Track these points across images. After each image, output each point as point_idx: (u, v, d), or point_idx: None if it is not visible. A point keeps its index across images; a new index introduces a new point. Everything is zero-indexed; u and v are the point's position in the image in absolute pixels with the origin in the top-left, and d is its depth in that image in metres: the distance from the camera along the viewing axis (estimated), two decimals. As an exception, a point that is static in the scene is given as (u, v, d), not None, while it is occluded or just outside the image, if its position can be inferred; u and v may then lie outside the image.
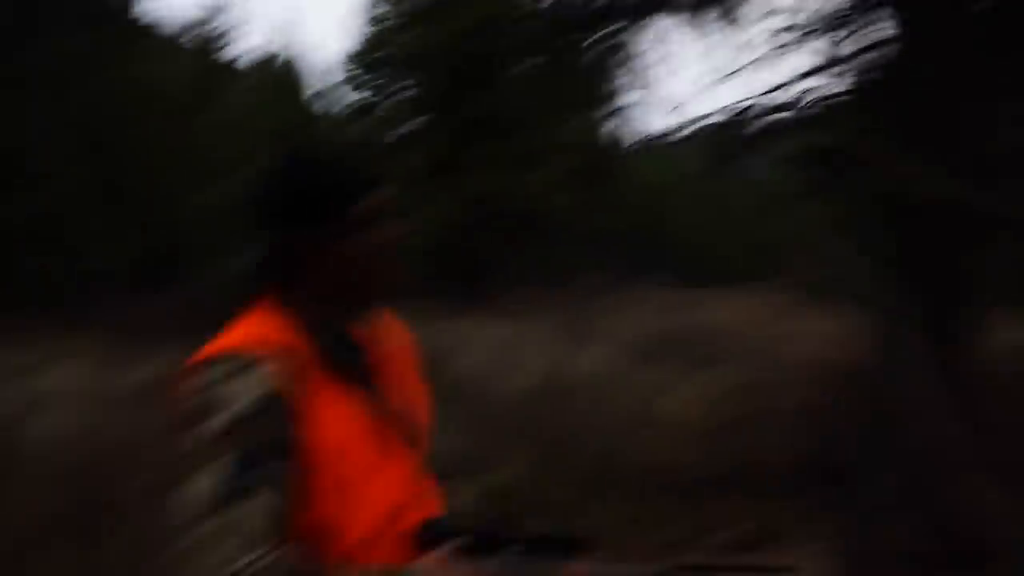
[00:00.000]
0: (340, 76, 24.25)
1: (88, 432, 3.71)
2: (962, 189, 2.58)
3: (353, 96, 25.20)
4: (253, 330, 1.23)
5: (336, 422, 1.21)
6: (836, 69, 4.16)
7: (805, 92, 4.15)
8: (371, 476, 1.24)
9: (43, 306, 16.60)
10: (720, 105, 4.05)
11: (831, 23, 4.27)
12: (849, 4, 4.28)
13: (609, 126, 29.37)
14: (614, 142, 28.34)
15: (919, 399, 3.06)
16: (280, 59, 22.80)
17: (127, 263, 18.12)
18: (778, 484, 5.16)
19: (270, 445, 1.11)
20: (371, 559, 1.19)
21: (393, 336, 1.44)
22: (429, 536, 1.26)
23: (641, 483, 5.35)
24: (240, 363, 1.15)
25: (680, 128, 4.91)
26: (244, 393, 1.12)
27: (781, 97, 4.20)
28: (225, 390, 1.12)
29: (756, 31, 4.15)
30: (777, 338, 10.87)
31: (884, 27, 4.22)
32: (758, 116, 3.97)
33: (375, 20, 24.81)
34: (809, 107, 4.04)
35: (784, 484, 5.16)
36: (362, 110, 24.80)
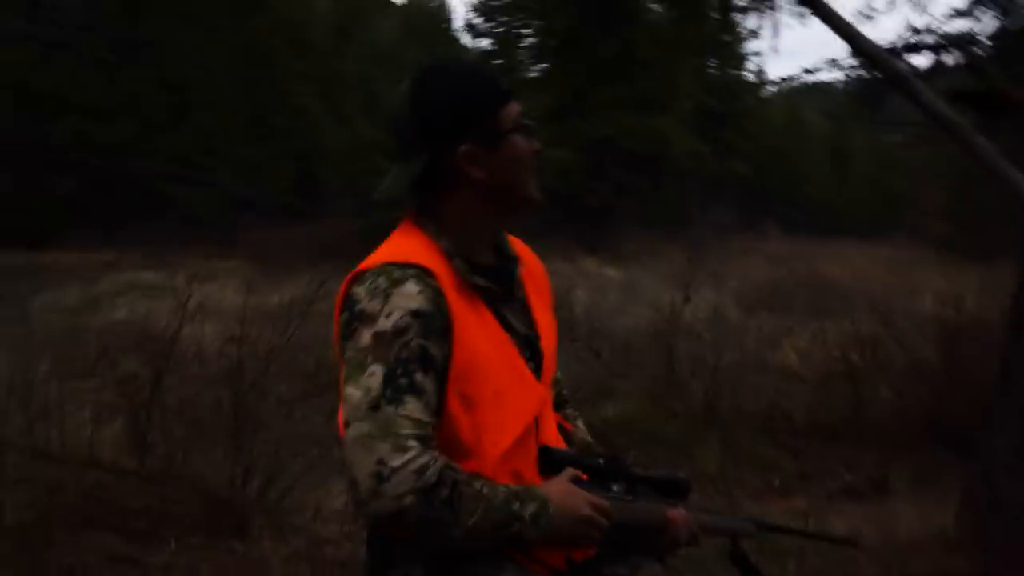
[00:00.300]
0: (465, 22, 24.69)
1: (238, 342, 4.02)
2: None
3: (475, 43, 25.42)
4: (402, 249, 1.26)
5: (478, 340, 1.24)
6: (987, 11, 3.97)
7: (954, 34, 3.98)
8: (507, 395, 1.27)
9: (193, 231, 17.87)
10: (859, 48, 3.92)
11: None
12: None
13: (736, 72, 28.50)
14: (740, 88, 27.47)
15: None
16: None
17: (273, 193, 19.16)
18: (888, 437, 5.10)
19: (420, 357, 1.15)
20: (503, 477, 1.21)
21: (528, 261, 1.46)
22: (550, 462, 1.29)
23: (749, 427, 5.40)
24: (393, 277, 1.19)
25: (813, 72, 4.79)
26: (397, 306, 1.16)
27: (927, 39, 4.04)
28: (379, 303, 1.17)
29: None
30: (897, 292, 10.49)
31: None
32: (902, 57, 3.84)
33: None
34: (958, 49, 3.88)
35: (895, 437, 5.10)
36: (484, 56, 24.97)
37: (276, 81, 20.52)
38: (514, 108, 1.31)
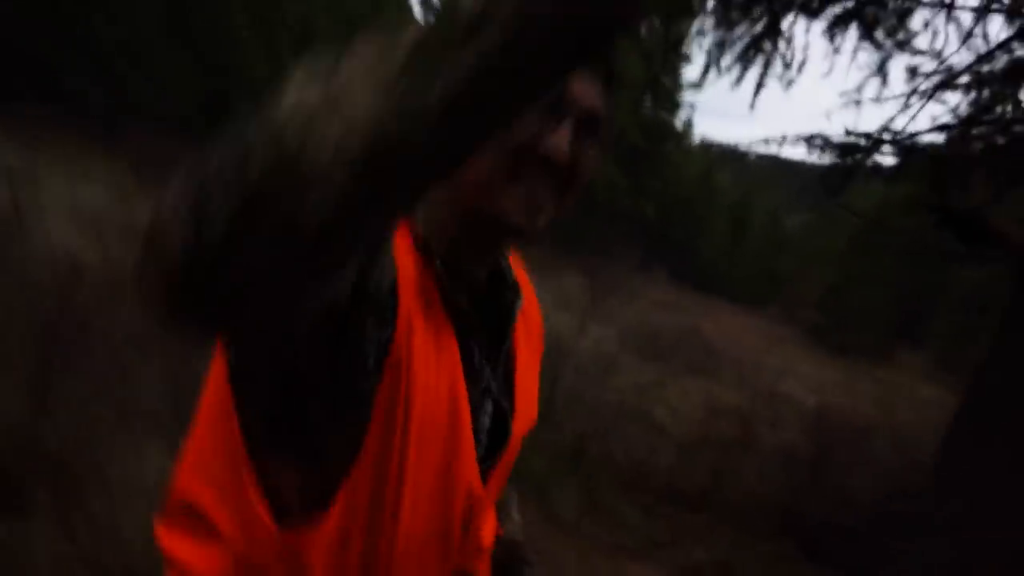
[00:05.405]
0: None
1: (93, 258, 3.45)
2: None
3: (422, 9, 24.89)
4: None
5: (429, 378, 0.80)
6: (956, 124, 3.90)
7: (917, 139, 3.89)
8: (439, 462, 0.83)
9: (77, 122, 16.46)
10: (826, 130, 3.83)
11: (962, 77, 4.00)
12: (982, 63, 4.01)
13: (668, 116, 29.00)
14: (667, 133, 27.98)
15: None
16: None
17: (177, 104, 18.10)
18: (743, 518, 5.03)
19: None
20: None
21: (528, 305, 1.04)
22: None
23: (610, 477, 5.22)
24: None
25: (760, 143, 4.66)
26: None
27: (887, 139, 3.94)
28: None
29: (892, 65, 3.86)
30: (766, 367, 10.72)
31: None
32: (863, 152, 3.71)
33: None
34: (916, 155, 3.78)
35: (749, 520, 5.03)
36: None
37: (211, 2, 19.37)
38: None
